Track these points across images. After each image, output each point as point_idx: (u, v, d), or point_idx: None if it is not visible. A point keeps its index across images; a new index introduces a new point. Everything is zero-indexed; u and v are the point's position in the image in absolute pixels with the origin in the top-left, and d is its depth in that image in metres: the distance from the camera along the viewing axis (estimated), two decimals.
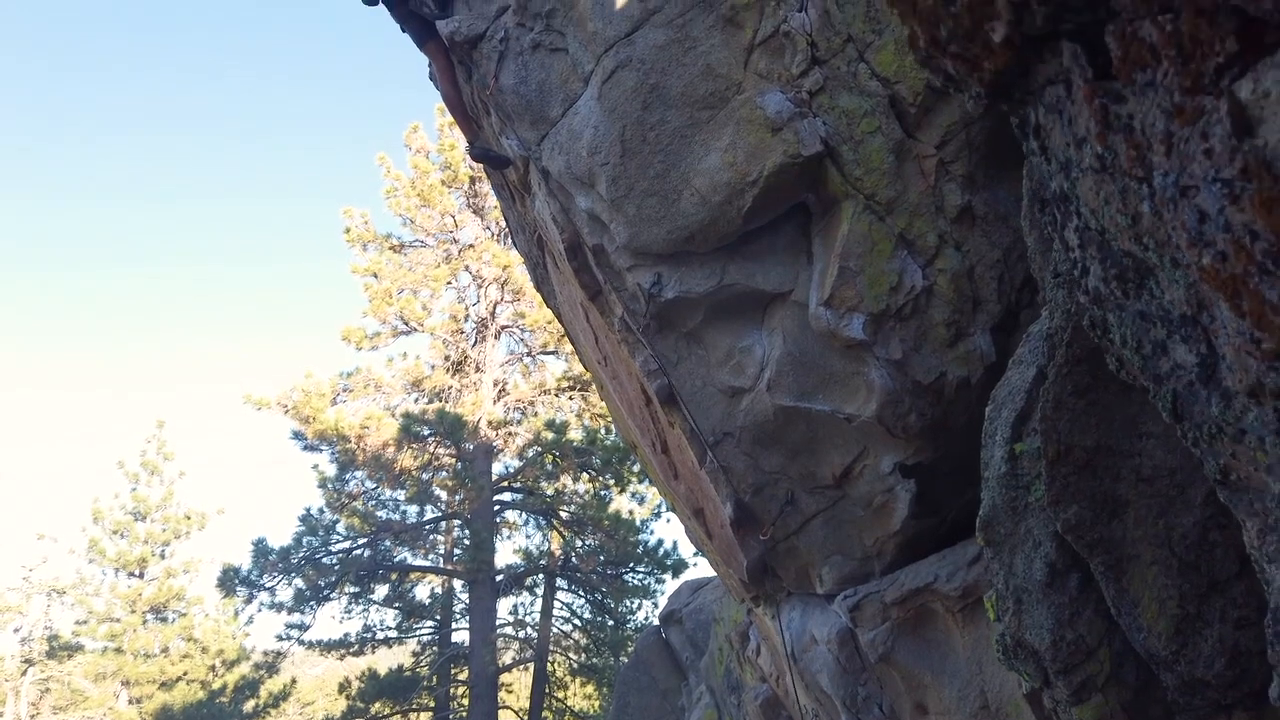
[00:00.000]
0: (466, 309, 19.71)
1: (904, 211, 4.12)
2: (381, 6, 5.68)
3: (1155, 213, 0.92)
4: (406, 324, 18.77)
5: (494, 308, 19.54)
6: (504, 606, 19.58)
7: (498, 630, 18.78)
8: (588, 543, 19.04)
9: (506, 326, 19.73)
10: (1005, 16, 0.98)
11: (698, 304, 4.54)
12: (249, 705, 19.54)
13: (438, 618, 19.53)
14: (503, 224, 18.13)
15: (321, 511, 17.93)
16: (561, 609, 20.12)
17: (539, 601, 19.93)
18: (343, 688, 18.46)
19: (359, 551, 17.93)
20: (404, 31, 5.74)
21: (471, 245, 19.25)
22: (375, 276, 18.54)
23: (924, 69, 1.16)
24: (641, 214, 4.48)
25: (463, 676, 18.82)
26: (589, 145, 4.58)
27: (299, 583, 17.57)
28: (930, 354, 4.04)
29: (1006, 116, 1.28)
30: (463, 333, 19.53)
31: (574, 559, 19.08)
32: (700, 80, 4.42)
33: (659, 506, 19.40)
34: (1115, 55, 0.90)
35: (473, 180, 18.61)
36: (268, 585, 17.49)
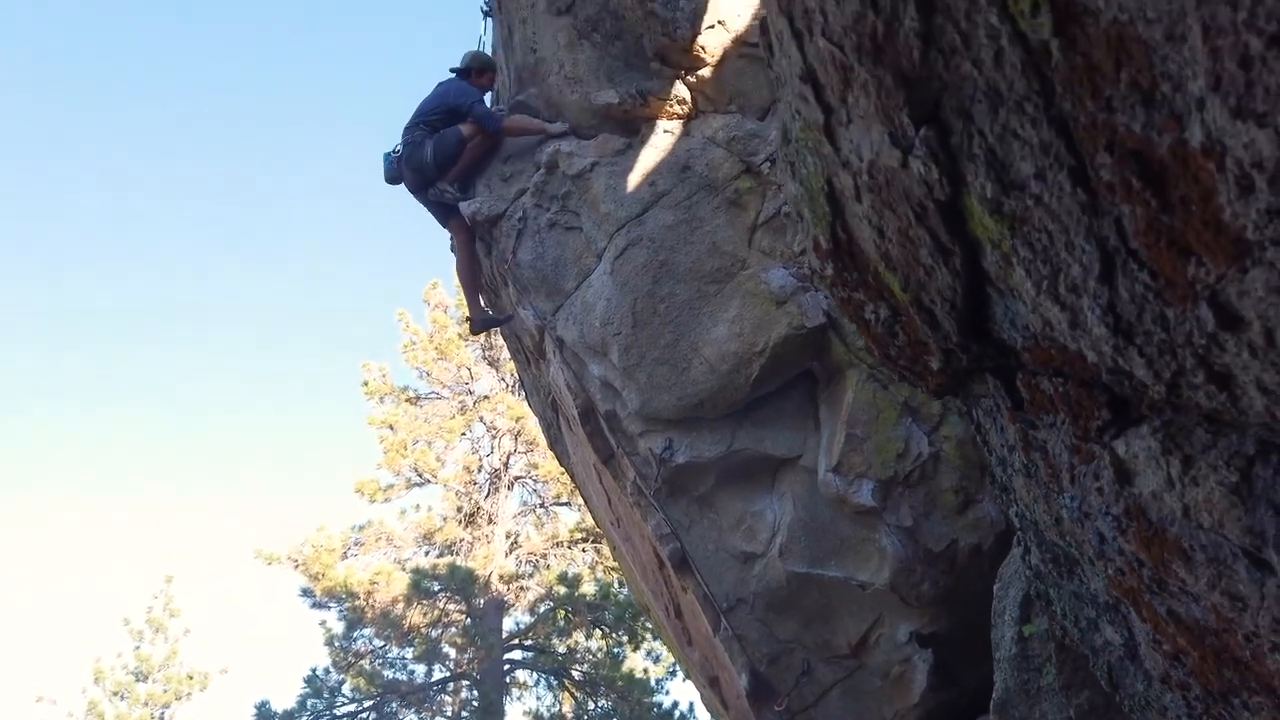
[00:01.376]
0: (480, 460, 19.77)
1: None
2: (402, 185, 6.07)
3: (1072, 520, 1.04)
4: (420, 476, 18.79)
5: (507, 458, 19.60)
6: None
7: None
8: (601, 704, 18.27)
9: (520, 477, 19.71)
10: (938, 356, 1.14)
11: (708, 469, 4.63)
12: None
13: None
14: (517, 375, 18.45)
15: (327, 671, 17.37)
16: None
17: None
18: None
19: (365, 715, 17.24)
20: (427, 209, 6.11)
21: (486, 397, 19.54)
22: (391, 429, 18.74)
23: (881, 366, 1.32)
24: (652, 381, 4.64)
25: None
26: (602, 316, 4.80)
27: None
28: (941, 521, 4.08)
29: None
30: (475, 484, 19.51)
31: None
32: (707, 257, 4.69)
33: (673, 665, 18.72)
34: (1025, 397, 1.05)
35: (488, 334, 19.10)
36: None
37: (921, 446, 4.14)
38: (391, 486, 18.70)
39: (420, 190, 5.85)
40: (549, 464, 18.49)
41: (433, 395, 19.67)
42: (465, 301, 6.34)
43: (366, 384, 19.32)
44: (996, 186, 0.88)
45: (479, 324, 6.17)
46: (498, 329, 6.87)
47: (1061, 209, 0.82)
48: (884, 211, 1.01)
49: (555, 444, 7.21)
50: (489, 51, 6.45)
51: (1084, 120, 0.76)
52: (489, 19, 6.37)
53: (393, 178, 6.03)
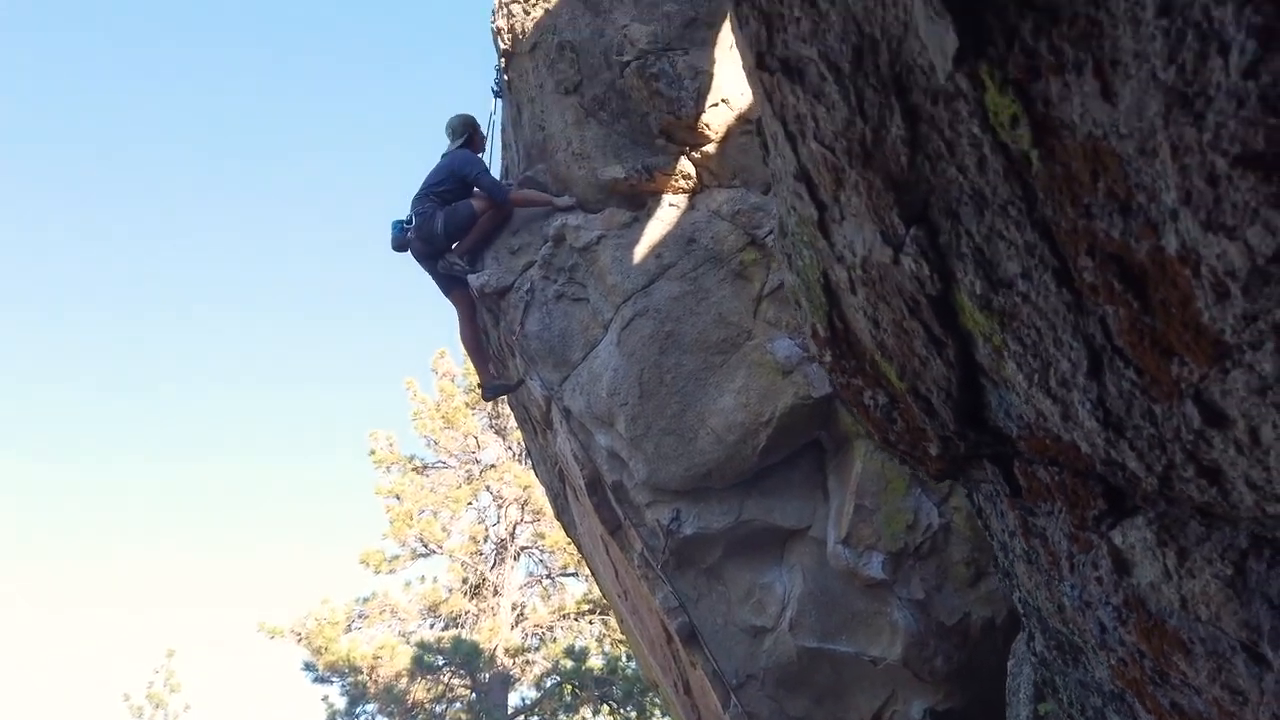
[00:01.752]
0: (486, 530, 19.57)
1: None
2: (409, 253, 6.15)
3: (1074, 609, 1.05)
4: (426, 546, 18.60)
5: (514, 528, 19.41)
6: None
7: None
8: None
9: (526, 547, 19.49)
10: (936, 442, 1.16)
11: (716, 540, 4.59)
12: None
13: None
14: (524, 444, 18.35)
15: None
16: None
17: None
18: None
19: None
20: (433, 278, 6.20)
21: (493, 465, 19.45)
22: (397, 498, 18.63)
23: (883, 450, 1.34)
24: (659, 452, 4.64)
25: None
26: (608, 386, 4.83)
27: None
28: (952, 594, 4.03)
29: None
30: (481, 554, 19.28)
31: None
32: (713, 327, 4.73)
33: None
34: (1022, 485, 1.06)
35: (495, 402, 19.10)
36: None
37: (931, 518, 4.12)
38: (397, 557, 18.50)
39: (429, 260, 5.95)
40: (555, 534, 18.30)
41: (439, 464, 19.60)
42: (474, 370, 6.39)
43: (374, 453, 19.29)
44: (985, 284, 0.91)
45: (489, 391, 6.22)
46: (505, 397, 6.91)
47: (1048, 307, 0.85)
48: (878, 304, 1.05)
49: (562, 514, 7.16)
50: (499, 129, 6.63)
51: (1065, 225, 0.79)
52: (499, 99, 6.57)
53: (400, 245, 6.13)
